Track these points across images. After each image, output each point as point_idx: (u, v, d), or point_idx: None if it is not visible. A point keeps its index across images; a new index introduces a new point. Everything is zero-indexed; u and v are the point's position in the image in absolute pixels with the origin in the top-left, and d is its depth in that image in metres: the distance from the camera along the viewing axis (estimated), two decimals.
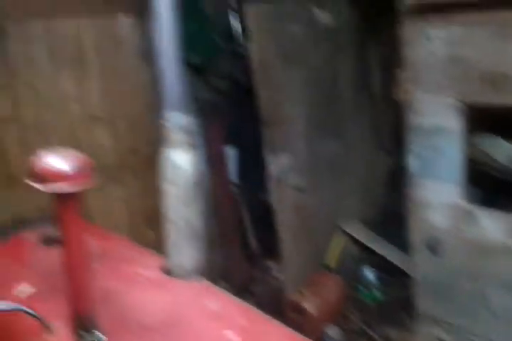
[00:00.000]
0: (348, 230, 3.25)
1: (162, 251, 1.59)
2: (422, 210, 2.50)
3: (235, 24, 3.01)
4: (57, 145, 2.97)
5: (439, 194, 2.41)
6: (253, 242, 3.51)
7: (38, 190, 1.07)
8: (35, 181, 1.07)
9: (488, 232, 2.25)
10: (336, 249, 3.29)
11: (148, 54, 3.20)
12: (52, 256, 1.40)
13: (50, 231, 1.60)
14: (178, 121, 1.49)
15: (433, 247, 2.44)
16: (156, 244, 3.47)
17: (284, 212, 2.97)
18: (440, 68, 2.19)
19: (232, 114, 3.32)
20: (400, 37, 2.23)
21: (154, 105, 3.25)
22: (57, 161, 1.09)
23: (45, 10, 2.79)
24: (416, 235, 2.54)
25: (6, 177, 2.71)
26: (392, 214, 3.54)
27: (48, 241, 1.51)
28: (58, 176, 1.06)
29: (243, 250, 3.49)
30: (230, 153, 3.44)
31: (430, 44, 2.16)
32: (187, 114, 1.52)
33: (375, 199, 3.59)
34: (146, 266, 1.59)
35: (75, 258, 1.15)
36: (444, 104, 2.22)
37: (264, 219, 3.52)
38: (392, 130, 3.55)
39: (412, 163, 2.47)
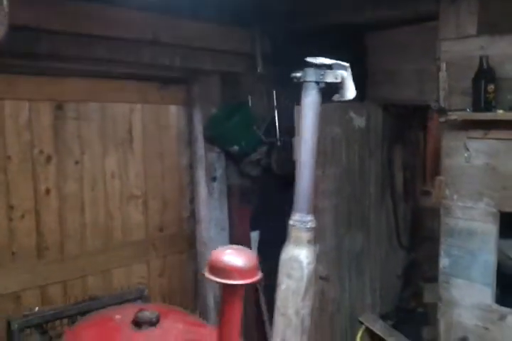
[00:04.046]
0: (366, 323, 3.28)
1: None
2: (451, 309, 2.59)
3: (276, 120, 3.27)
4: (90, 218, 3.05)
5: (469, 294, 2.52)
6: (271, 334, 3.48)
7: None
8: (213, 274, 1.24)
9: None
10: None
11: (189, 139, 3.42)
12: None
13: (138, 312, 1.62)
14: (302, 220, 1.66)
15: None
16: None
17: None
18: (477, 177, 2.41)
19: (258, 199, 3.49)
20: (441, 147, 2.47)
21: (185, 187, 3.44)
22: (233, 258, 1.27)
23: (101, 94, 3.01)
24: (445, 334, 2.60)
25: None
26: (407, 310, 3.61)
27: (138, 324, 1.55)
28: (234, 271, 1.24)
29: None
30: (253, 237, 3.54)
31: (469, 155, 2.40)
32: (309, 214, 1.68)
33: (391, 294, 3.67)
34: None
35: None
36: (479, 209, 2.42)
37: None
38: (410, 227, 3.74)
39: (443, 261, 2.61)
